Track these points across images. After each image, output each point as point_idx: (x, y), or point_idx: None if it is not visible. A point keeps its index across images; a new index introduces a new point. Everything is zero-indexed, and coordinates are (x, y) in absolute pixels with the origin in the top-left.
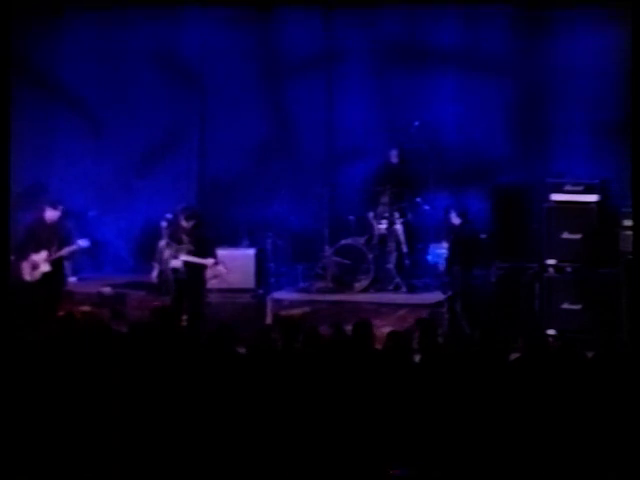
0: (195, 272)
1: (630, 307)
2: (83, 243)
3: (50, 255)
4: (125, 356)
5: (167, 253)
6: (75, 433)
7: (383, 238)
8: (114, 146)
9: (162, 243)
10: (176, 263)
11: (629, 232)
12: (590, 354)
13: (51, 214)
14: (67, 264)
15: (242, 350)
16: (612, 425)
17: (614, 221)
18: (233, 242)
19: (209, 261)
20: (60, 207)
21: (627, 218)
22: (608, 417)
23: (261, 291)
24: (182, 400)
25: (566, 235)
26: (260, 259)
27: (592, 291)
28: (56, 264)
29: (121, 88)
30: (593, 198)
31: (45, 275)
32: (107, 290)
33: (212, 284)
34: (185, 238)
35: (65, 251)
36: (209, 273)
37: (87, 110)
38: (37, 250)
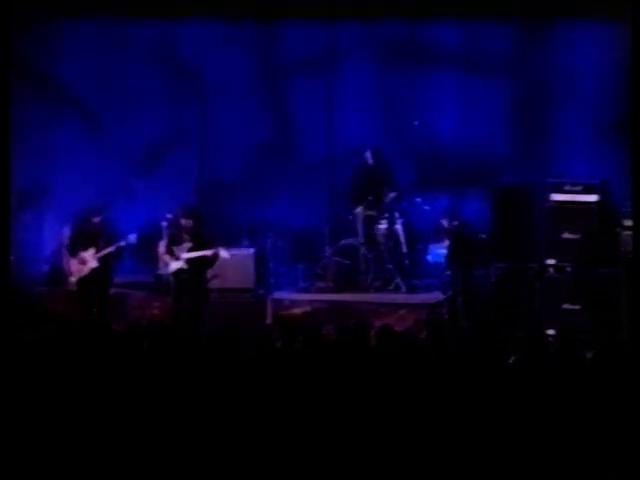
0: (196, 272)
1: (630, 307)
2: (132, 238)
3: (97, 251)
4: (125, 356)
5: (167, 258)
6: (75, 433)
7: (373, 238)
8: (114, 146)
9: (161, 249)
10: (178, 264)
11: (629, 232)
12: (590, 354)
13: (96, 215)
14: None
15: (242, 350)
16: (612, 425)
17: (614, 221)
18: (233, 242)
19: (210, 251)
20: (98, 212)
21: (627, 218)
22: (608, 417)
23: (261, 291)
24: (182, 400)
25: (566, 235)
26: (260, 259)
27: (592, 291)
28: (104, 261)
29: (121, 88)
30: (593, 198)
31: (93, 271)
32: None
33: (212, 284)
34: (186, 236)
35: (113, 247)
36: (210, 273)
37: (87, 110)
38: (85, 247)
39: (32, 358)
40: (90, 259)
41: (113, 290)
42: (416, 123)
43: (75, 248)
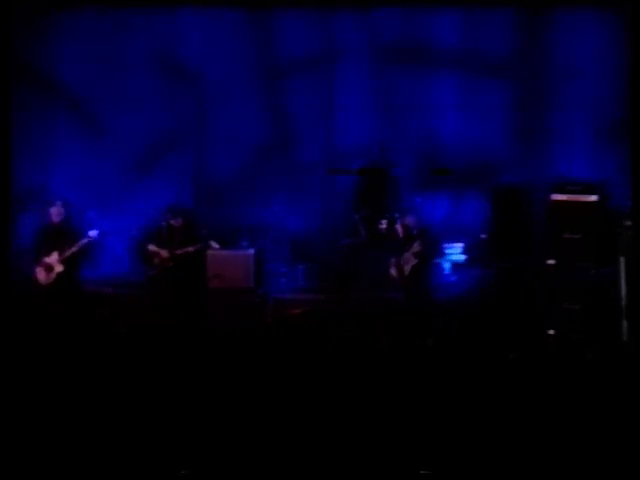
0: (195, 272)
1: (630, 307)
2: (93, 234)
3: (61, 255)
4: (125, 355)
5: (158, 257)
6: (74, 432)
7: (374, 237)
8: (114, 146)
9: (151, 249)
10: (168, 264)
11: (629, 232)
12: (590, 354)
13: (56, 212)
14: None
15: (241, 349)
16: (612, 425)
17: (614, 221)
18: (233, 242)
19: (199, 245)
20: (58, 202)
21: (627, 218)
22: (608, 417)
23: (261, 291)
24: (183, 399)
25: (566, 235)
26: (260, 259)
27: (592, 291)
28: (69, 263)
29: (121, 88)
30: (593, 198)
31: (59, 275)
32: (107, 290)
33: (212, 284)
34: (176, 236)
35: (76, 247)
36: (210, 273)
37: (87, 110)
38: (48, 252)
39: (32, 358)
40: (55, 264)
41: (113, 290)
42: (415, 124)
43: (39, 254)
